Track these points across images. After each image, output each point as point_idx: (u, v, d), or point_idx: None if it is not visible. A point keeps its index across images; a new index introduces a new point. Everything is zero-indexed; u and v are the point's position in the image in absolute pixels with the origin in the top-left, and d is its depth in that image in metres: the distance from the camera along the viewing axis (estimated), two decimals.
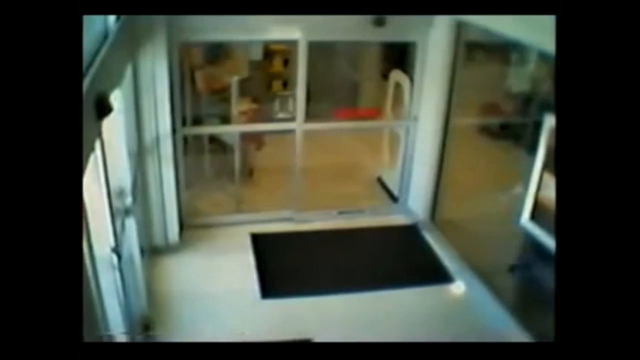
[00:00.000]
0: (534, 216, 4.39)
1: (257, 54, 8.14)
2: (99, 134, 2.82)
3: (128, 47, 4.24)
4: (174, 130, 5.31)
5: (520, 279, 5.05)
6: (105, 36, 3.28)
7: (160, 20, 4.76)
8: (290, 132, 5.98)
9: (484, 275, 5.18)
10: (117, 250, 3.25)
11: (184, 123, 5.89)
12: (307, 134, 5.98)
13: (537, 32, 3.42)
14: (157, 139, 5.19)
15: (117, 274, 3.29)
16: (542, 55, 5.43)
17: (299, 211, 6.26)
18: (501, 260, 5.19)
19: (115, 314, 3.30)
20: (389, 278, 5.38)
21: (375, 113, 7.50)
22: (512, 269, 4.91)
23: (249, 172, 7.06)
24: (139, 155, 5.09)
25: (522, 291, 5.08)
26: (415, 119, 6.17)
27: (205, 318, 4.71)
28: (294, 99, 5.92)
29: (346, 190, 6.92)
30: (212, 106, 7.07)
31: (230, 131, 6.67)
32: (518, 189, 4.75)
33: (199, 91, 7.11)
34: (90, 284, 2.31)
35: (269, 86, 8.49)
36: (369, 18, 5.44)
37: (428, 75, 5.89)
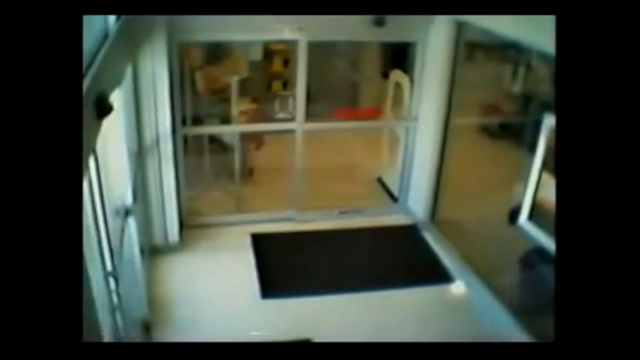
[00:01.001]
0: (532, 216, 4.39)
1: (257, 54, 8.15)
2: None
3: (128, 47, 4.24)
4: (174, 130, 5.30)
5: (520, 279, 5.05)
6: (105, 36, 3.28)
7: (160, 20, 4.76)
8: (290, 132, 5.98)
9: (484, 275, 5.18)
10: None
11: (184, 123, 5.89)
12: (307, 134, 5.98)
13: (537, 32, 3.42)
14: (157, 139, 5.19)
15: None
16: (542, 56, 5.43)
17: (299, 211, 6.26)
18: (501, 260, 5.19)
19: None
20: (389, 278, 5.38)
21: (375, 113, 7.50)
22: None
23: (249, 172, 7.06)
24: (139, 155, 5.09)
25: (522, 291, 5.07)
26: (415, 118, 6.17)
27: (205, 318, 4.70)
28: (294, 99, 5.92)
29: (346, 190, 6.92)
30: (212, 106, 7.08)
31: (230, 131, 6.68)
32: (518, 189, 4.74)
33: (199, 91, 7.11)
34: (92, 284, 2.30)
35: (269, 86, 8.49)
36: (369, 18, 5.44)
37: (428, 75, 5.89)
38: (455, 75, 5.62)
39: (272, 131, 6.84)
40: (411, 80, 6.16)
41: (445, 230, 6.04)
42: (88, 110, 2.30)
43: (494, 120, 7.24)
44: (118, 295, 3.23)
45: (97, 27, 3.15)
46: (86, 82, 2.31)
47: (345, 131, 7.87)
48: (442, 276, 5.47)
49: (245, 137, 6.71)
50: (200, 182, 6.62)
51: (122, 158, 3.98)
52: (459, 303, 5.18)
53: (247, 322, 4.66)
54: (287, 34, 5.58)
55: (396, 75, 6.71)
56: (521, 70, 7.21)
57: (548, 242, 4.15)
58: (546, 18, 2.44)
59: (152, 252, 5.46)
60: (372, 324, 4.76)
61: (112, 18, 3.49)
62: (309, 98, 5.97)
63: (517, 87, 7.36)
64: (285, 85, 8.42)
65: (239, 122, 6.62)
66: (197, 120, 6.62)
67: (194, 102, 6.79)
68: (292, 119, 6.04)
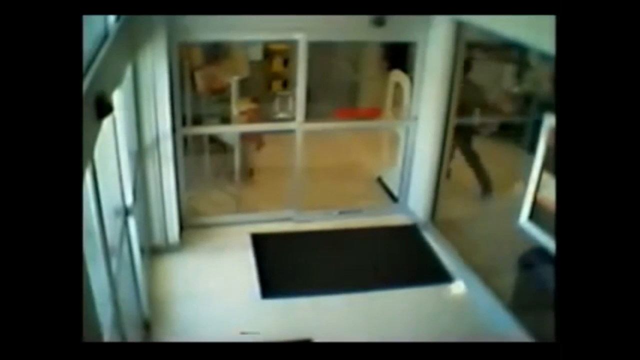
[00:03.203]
0: (532, 216, 4.39)
1: (257, 54, 8.16)
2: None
3: (128, 47, 4.24)
4: (174, 130, 5.30)
5: (520, 279, 5.05)
6: (105, 36, 3.28)
7: (160, 20, 4.76)
8: (290, 132, 5.98)
9: (483, 275, 5.18)
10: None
11: (184, 123, 5.88)
12: (307, 134, 5.97)
13: (537, 32, 3.42)
14: (157, 139, 5.19)
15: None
16: (542, 56, 5.43)
17: (299, 211, 6.26)
18: (501, 260, 5.20)
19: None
20: (389, 278, 5.38)
21: (375, 113, 7.50)
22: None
23: (249, 172, 7.06)
24: (139, 155, 5.09)
25: (522, 290, 5.08)
26: (415, 118, 6.17)
27: (205, 318, 4.71)
28: (294, 99, 5.92)
29: (346, 190, 6.92)
30: (212, 106, 7.08)
31: (230, 131, 6.67)
32: (518, 189, 4.75)
33: (199, 91, 7.11)
34: (92, 284, 2.30)
35: (269, 86, 8.49)
36: (368, 18, 5.44)
37: (428, 75, 5.89)
38: (455, 75, 5.62)
39: (272, 131, 6.84)
40: (411, 80, 6.16)
41: (445, 230, 6.04)
42: (88, 111, 2.30)
43: (493, 120, 7.24)
44: (118, 295, 3.23)
45: (97, 27, 3.15)
46: (86, 82, 2.31)
47: (345, 131, 7.87)
48: (442, 276, 5.47)
49: (246, 137, 6.71)
50: (200, 182, 6.63)
51: (122, 158, 3.97)
52: (459, 303, 5.18)
53: (247, 322, 4.66)
54: (287, 34, 5.58)
55: (396, 75, 6.71)
56: (521, 70, 7.22)
57: (548, 242, 4.15)
58: (546, 18, 2.45)
59: (152, 252, 5.46)
60: (372, 323, 4.76)
61: (112, 18, 3.49)
62: (309, 98, 5.97)
63: (517, 87, 7.37)
64: (285, 85, 8.42)
65: (239, 122, 6.62)
66: (197, 120, 6.62)
67: (194, 102, 6.79)
68: (292, 119, 6.03)
